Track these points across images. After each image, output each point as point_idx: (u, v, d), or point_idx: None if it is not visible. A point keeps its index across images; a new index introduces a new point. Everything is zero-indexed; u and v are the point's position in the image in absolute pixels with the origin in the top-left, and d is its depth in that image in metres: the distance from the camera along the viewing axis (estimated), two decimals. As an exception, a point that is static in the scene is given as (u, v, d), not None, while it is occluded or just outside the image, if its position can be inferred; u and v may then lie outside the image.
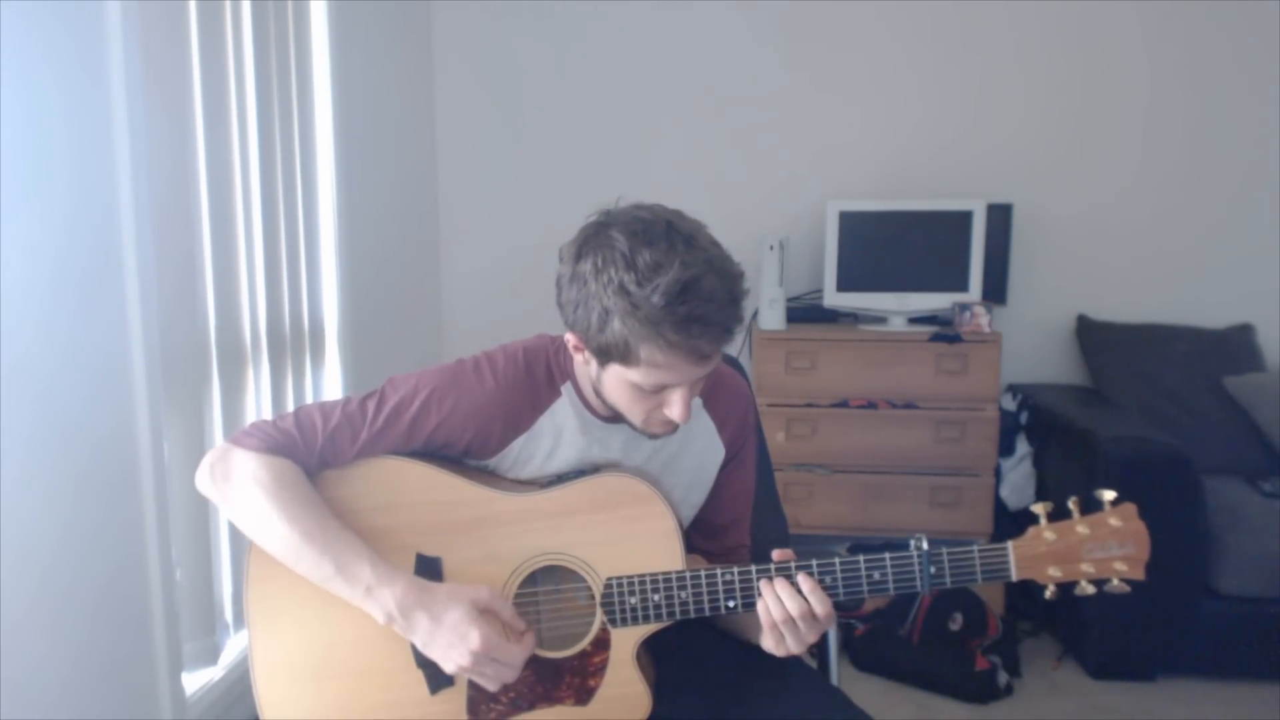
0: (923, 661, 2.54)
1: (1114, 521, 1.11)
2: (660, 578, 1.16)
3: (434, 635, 1.12)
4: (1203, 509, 2.42)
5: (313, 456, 1.19)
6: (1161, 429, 2.64)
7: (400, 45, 3.15)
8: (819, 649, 1.51)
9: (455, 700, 1.20)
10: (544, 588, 1.22)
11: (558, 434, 1.24)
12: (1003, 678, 2.46)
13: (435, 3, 3.33)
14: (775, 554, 1.15)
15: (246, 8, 2.13)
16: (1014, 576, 1.11)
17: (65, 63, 1.60)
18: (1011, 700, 2.45)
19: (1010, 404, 3.01)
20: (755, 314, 3.04)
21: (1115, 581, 1.11)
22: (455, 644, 1.11)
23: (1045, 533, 1.12)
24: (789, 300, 3.03)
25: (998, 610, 2.74)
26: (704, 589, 1.15)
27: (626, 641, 1.19)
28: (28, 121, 1.52)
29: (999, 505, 2.84)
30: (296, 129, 2.37)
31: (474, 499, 1.20)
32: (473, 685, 1.18)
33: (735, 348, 3.12)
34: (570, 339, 1.16)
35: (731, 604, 1.15)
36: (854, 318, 3.10)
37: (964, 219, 2.90)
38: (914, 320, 2.99)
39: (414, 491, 1.21)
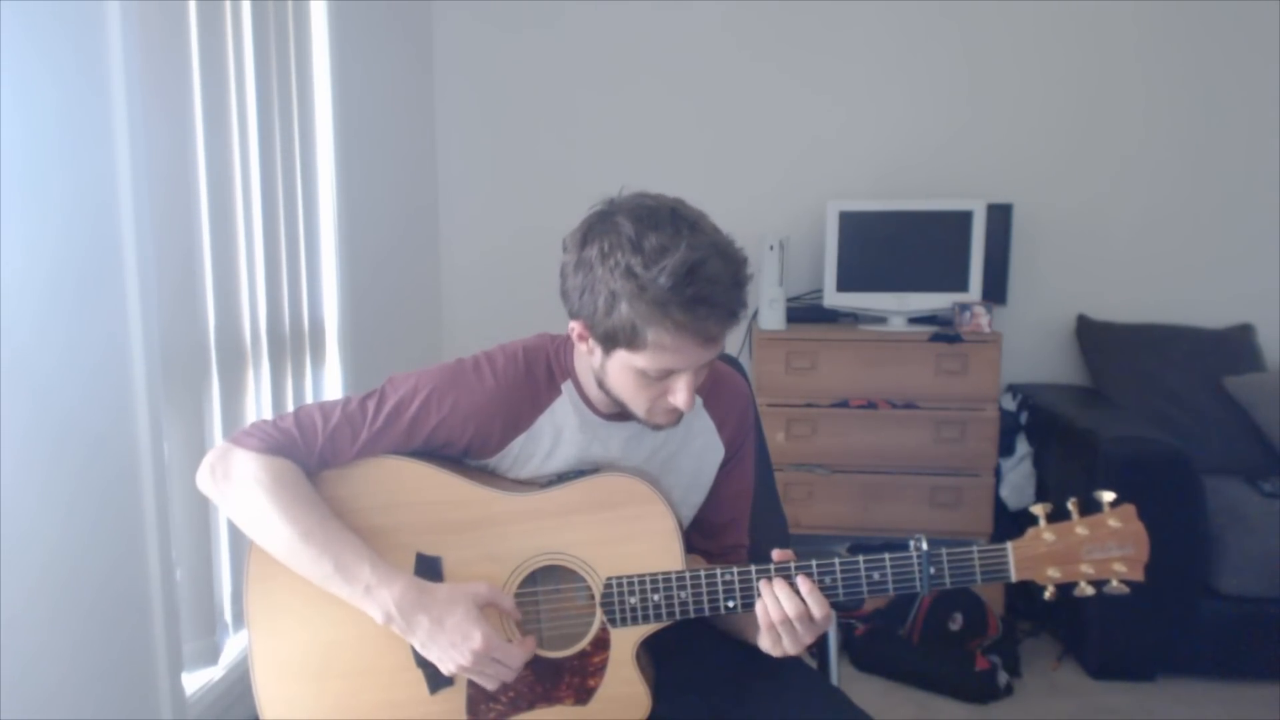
0: (923, 661, 2.54)
1: (1113, 523, 1.11)
2: (660, 578, 1.16)
3: (434, 636, 1.12)
4: (1203, 509, 2.42)
5: (313, 456, 1.19)
6: (1161, 429, 2.64)
7: (400, 45, 3.15)
8: (819, 649, 1.51)
9: (455, 700, 1.20)
10: (544, 587, 1.22)
11: (557, 433, 1.24)
12: (1003, 678, 2.46)
13: (435, 2, 3.34)
14: (775, 554, 1.15)
15: (246, 8, 2.13)
16: (1013, 577, 1.11)
17: (65, 62, 1.60)
18: (1011, 700, 2.45)
19: (1010, 404, 3.01)
20: (755, 314, 3.04)
21: (1114, 582, 1.11)
22: (457, 644, 1.11)
23: (1044, 534, 1.12)
24: (789, 300, 3.03)
25: (998, 610, 2.73)
26: (704, 589, 1.15)
27: (626, 641, 1.19)
28: (27, 121, 1.52)
29: (999, 505, 2.84)
30: (296, 128, 2.37)
31: (474, 498, 1.20)
32: (472, 685, 1.18)
33: (735, 348, 3.14)
34: (575, 328, 1.16)
35: (731, 604, 1.15)
36: (854, 318, 3.10)
37: (964, 219, 2.90)
38: (914, 320, 2.99)
39: (414, 491, 1.21)
